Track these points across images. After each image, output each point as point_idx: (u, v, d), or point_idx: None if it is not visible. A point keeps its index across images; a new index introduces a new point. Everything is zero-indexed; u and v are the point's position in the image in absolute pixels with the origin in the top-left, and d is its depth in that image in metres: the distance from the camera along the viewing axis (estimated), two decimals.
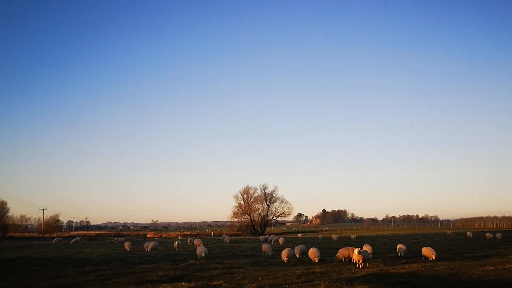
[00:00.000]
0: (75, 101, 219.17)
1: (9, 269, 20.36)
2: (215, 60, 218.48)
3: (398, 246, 24.47)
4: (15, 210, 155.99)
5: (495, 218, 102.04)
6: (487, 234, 38.84)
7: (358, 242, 36.68)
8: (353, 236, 46.33)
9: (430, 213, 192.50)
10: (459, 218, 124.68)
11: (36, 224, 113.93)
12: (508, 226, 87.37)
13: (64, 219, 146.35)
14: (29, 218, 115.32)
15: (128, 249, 33.30)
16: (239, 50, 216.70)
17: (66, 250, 34.87)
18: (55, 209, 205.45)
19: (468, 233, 45.46)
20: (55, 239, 56.13)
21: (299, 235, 63.12)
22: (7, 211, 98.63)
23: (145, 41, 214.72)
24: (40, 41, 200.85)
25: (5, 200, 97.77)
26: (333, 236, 50.77)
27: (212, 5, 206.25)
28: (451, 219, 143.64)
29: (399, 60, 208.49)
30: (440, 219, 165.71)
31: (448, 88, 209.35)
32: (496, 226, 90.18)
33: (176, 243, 34.19)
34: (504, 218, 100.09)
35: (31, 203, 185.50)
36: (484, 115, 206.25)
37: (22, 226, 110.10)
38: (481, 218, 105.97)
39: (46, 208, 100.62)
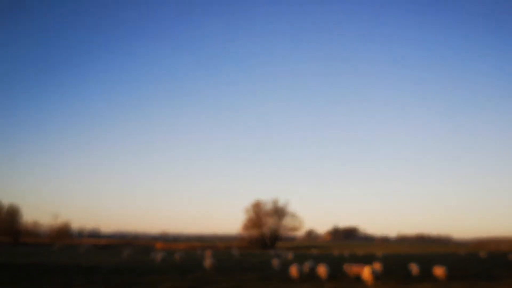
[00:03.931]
0: (87, 109, 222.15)
1: (20, 275, 20.58)
2: (229, 70, 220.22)
3: (411, 265, 24.09)
4: (28, 217, 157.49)
5: (510, 239, 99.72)
6: (510, 256, 37.18)
7: (364, 259, 36.18)
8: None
9: (444, 232, 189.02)
10: (472, 238, 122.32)
11: (48, 231, 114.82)
12: None
13: (75, 226, 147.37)
14: (41, 225, 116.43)
15: (126, 258, 33.53)
16: (252, 59, 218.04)
17: (76, 258, 35.09)
18: (67, 216, 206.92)
19: (482, 254, 44.46)
20: (57, 246, 56.24)
21: (314, 250, 62.31)
22: (20, 217, 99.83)
23: (170, 50, 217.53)
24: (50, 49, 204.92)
25: (18, 206, 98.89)
26: (344, 253, 50.32)
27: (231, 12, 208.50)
28: (464, 239, 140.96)
29: (415, 70, 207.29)
30: (454, 238, 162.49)
31: (466, 103, 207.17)
32: (511, 248, 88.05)
33: (179, 257, 33.29)
34: None
35: (44, 209, 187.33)
36: (499, 134, 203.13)
37: (34, 233, 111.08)
38: (495, 239, 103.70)
39: (58, 215, 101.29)
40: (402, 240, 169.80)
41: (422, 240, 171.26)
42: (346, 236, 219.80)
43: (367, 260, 37.10)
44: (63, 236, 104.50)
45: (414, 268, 23.19)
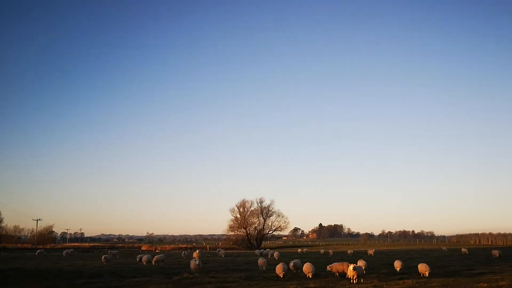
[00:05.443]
0: (69, 112, 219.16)
1: (0, 280, 20.14)
2: (217, 71, 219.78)
3: (394, 261, 24.36)
4: (9, 221, 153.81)
5: (490, 234, 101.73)
6: (494, 251, 37.96)
7: (353, 257, 36.49)
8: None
9: (426, 229, 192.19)
10: (454, 234, 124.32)
11: (29, 235, 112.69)
12: (503, 243, 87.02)
13: (58, 230, 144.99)
14: (23, 229, 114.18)
15: (103, 262, 33.08)
16: (240, 59, 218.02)
17: (58, 262, 34.48)
18: (49, 220, 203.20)
19: (463, 250, 45.24)
20: (38, 251, 55.10)
21: (300, 249, 62.55)
22: (1, 221, 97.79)
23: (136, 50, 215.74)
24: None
25: None
26: (329, 251, 50.58)
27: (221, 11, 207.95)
28: (446, 235, 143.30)
29: (401, 70, 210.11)
30: (436, 235, 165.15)
31: (447, 103, 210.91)
32: (491, 243, 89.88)
33: (156, 258, 30.77)
34: (499, 234, 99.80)
35: (25, 213, 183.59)
36: (479, 135, 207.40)
37: (15, 237, 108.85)
38: (477, 234, 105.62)
39: (40, 219, 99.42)
40: (386, 237, 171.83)
41: (405, 237, 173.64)
42: (331, 234, 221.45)
43: (353, 257, 37.41)
44: (46, 241, 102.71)
45: (398, 265, 23.48)
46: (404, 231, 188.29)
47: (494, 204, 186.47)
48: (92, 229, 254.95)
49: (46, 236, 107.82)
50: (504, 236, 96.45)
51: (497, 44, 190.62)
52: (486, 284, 16.41)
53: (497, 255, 36.47)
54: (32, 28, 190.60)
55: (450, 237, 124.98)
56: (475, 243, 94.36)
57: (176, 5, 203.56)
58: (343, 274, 20.40)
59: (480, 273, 22.65)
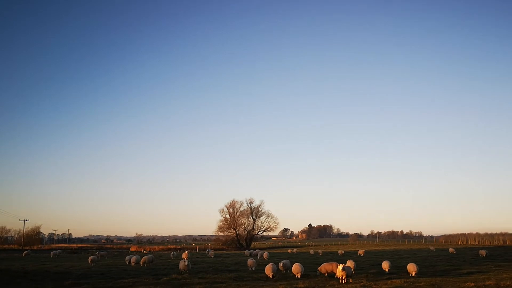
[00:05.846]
0: (56, 112, 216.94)
1: None
2: (206, 74, 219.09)
3: (383, 263, 24.47)
4: None
5: (477, 234, 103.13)
6: (481, 251, 38.50)
7: (343, 258, 36.66)
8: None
9: (414, 229, 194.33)
10: (442, 234, 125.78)
11: (16, 236, 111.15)
12: (489, 242, 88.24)
13: (45, 231, 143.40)
14: (9, 230, 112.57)
15: (90, 263, 32.71)
16: (228, 63, 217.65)
17: (45, 263, 34.06)
18: (37, 221, 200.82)
19: (451, 249, 45.71)
20: (25, 252, 54.33)
21: (290, 250, 62.72)
22: None
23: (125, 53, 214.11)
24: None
25: None
26: (319, 251, 50.72)
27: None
28: (434, 235, 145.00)
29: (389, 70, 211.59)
30: (424, 235, 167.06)
31: (435, 106, 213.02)
32: (478, 243, 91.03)
33: (144, 259, 30.66)
34: (486, 234, 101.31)
35: (12, 214, 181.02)
36: (468, 136, 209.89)
37: (2, 238, 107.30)
38: (464, 234, 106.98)
39: (27, 220, 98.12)
40: (375, 237, 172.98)
41: (394, 237, 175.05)
42: (320, 234, 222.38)
43: (343, 258, 37.57)
44: (33, 241, 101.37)
45: (386, 266, 23.59)
46: (393, 231, 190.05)
47: (481, 205, 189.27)
48: (80, 230, 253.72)
49: (33, 237, 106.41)
50: (491, 236, 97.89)
51: (497, 44, 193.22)
52: (473, 284, 16.58)
53: (484, 255, 36.90)
54: (32, 28, 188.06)
55: (438, 237, 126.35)
56: (462, 243, 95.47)
57: (176, 5, 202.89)
58: (332, 274, 20.46)
59: (467, 272, 22.87)
